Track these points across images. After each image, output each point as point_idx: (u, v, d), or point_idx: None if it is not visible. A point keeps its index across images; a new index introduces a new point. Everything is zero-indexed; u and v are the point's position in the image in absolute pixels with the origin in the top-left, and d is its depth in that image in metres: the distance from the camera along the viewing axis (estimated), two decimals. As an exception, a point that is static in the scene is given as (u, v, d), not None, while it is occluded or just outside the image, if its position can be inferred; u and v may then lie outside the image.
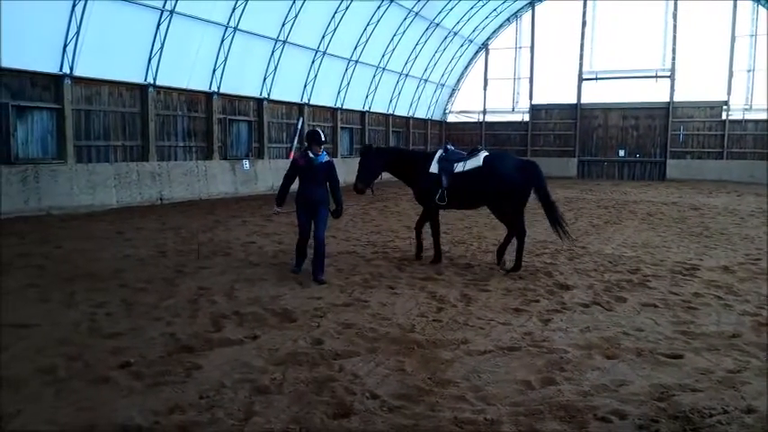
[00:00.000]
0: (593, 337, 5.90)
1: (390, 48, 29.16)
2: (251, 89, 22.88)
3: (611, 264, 9.60)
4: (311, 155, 8.08)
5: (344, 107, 28.51)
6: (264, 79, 23.10)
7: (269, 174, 23.14)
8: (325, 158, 8.18)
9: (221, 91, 21.16)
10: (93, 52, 16.41)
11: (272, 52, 22.85)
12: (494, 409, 4.26)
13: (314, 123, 26.62)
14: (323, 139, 8.22)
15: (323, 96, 26.75)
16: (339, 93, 27.83)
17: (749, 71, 32.03)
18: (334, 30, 24.74)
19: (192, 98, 20.30)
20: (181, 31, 18.75)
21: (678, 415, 4.17)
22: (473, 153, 9.20)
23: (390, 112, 32.48)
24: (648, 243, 11.68)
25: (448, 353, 5.41)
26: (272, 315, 6.47)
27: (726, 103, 32.53)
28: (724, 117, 32.59)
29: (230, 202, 18.70)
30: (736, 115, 32.45)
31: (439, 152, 9.37)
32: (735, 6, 31.73)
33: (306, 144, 8.32)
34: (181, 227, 13.09)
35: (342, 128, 28.65)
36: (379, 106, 31.38)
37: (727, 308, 7.04)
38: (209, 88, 20.80)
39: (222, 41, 20.49)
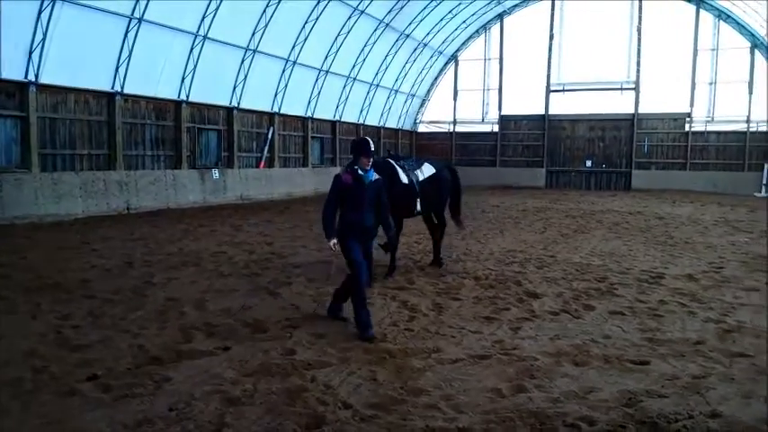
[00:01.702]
0: (563, 345, 5.98)
1: (361, 58, 29.28)
2: (221, 98, 22.74)
3: (579, 272, 9.74)
4: (360, 171, 6.37)
5: (315, 117, 28.50)
6: (234, 88, 22.98)
7: (239, 183, 22.99)
8: (375, 175, 6.52)
9: (190, 99, 20.98)
10: (59, 59, 16.15)
11: (243, 61, 22.76)
12: (465, 418, 4.29)
13: (284, 133, 26.58)
14: (372, 148, 6.51)
15: (294, 106, 26.70)
16: (310, 102, 27.82)
17: (711, 84, 32.92)
18: (305, 39, 24.76)
19: (160, 106, 20.09)
20: (149, 38, 18.56)
21: (645, 420, 4.25)
22: (419, 162, 9.90)
23: (361, 122, 32.56)
24: (615, 252, 11.89)
25: (420, 362, 5.43)
26: (243, 326, 6.42)
27: (689, 114, 33.36)
28: (687, 129, 33.41)
29: (199, 212, 18.52)
30: (698, 127, 33.30)
31: (394, 163, 9.32)
32: (697, 20, 32.63)
33: (353, 159, 6.48)
34: (149, 237, 12.91)
35: (312, 137, 28.62)
36: (350, 116, 31.45)
37: (692, 315, 7.20)
38: (178, 97, 20.60)
39: (192, 50, 20.34)
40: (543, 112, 35.92)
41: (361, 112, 32.31)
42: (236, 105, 23.26)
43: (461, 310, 7.31)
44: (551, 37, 35.17)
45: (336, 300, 6.70)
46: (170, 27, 19.28)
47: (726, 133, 32.71)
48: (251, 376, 4.99)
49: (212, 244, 12.11)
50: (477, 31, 36.66)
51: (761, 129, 32.02)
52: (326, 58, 27.15)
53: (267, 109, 25.32)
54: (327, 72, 27.68)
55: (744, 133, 32.28)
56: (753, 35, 31.61)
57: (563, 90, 35.37)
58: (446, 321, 6.76)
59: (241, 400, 4.54)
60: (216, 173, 21.98)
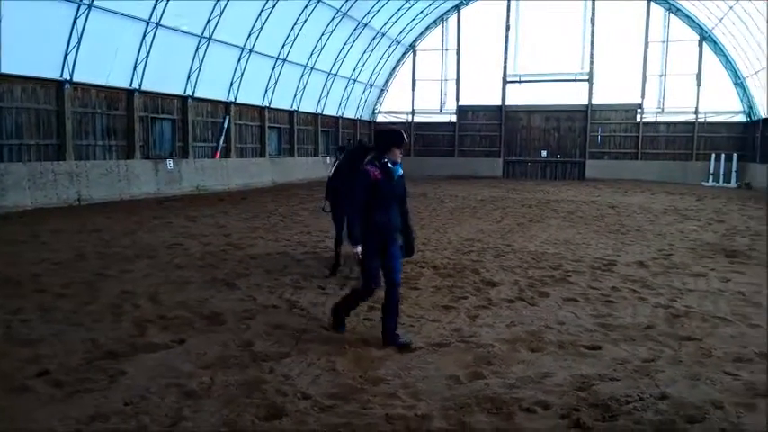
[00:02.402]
0: (519, 332, 6.09)
1: (319, 47, 29.06)
2: (175, 87, 22.27)
3: (534, 260, 9.92)
4: (390, 164, 5.59)
5: (272, 106, 28.19)
6: (189, 77, 22.54)
7: (194, 174, 22.61)
8: (401, 169, 5.76)
9: (143, 88, 20.49)
10: (4, 47, 15.53)
11: (197, 49, 22.33)
12: (424, 405, 4.33)
13: (241, 123, 26.22)
14: (406, 139, 5.84)
15: (250, 95, 26.35)
16: (267, 91, 27.49)
17: (661, 76, 33.84)
18: (261, 27, 24.43)
19: (111, 95, 19.55)
20: (99, 25, 18.02)
21: (598, 403, 4.36)
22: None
23: (319, 111, 32.36)
24: (569, 240, 12.15)
25: (379, 351, 5.45)
26: (200, 318, 6.34)
27: (640, 106, 34.24)
28: (638, 119, 34.29)
29: (153, 203, 18.14)
30: (649, 118, 34.22)
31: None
32: (648, 13, 33.43)
33: (376, 149, 5.72)
34: (101, 229, 12.60)
35: (270, 127, 28.31)
36: (308, 106, 31.21)
37: (642, 301, 7.42)
38: (131, 85, 20.10)
39: (144, 37, 19.84)
40: (500, 103, 36.33)
41: (320, 101, 32.10)
42: (191, 94, 22.82)
43: (420, 299, 7.36)
44: (507, 28, 35.53)
45: (387, 322, 5.70)
46: (121, 14, 18.76)
47: (675, 124, 33.72)
48: (208, 369, 4.93)
49: (167, 236, 11.89)
50: (434, 21, 36.77)
51: (709, 120, 33.07)
52: (284, 46, 26.85)
53: (223, 98, 24.92)
54: (284, 61, 27.39)
55: (692, 124, 33.31)
56: (701, 28, 32.57)
57: (519, 81, 35.81)
58: (405, 311, 6.78)
59: (198, 392, 4.48)
60: (170, 163, 21.56)
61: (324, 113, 32.81)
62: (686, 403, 4.36)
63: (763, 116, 30.36)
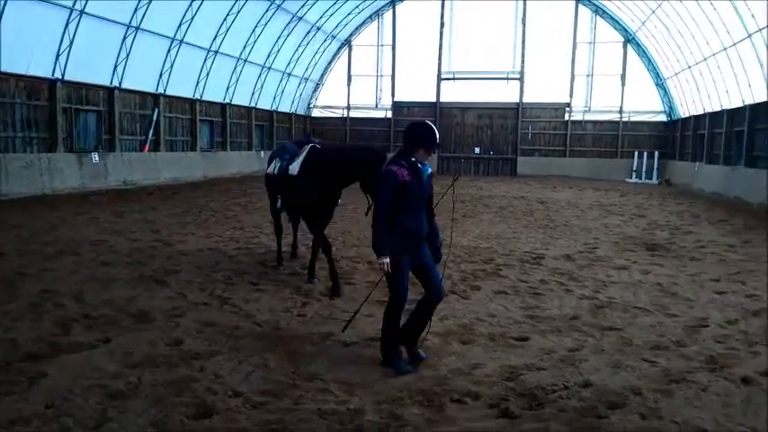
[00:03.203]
0: (451, 325, 6.21)
1: (252, 39, 28.55)
2: (101, 77, 21.40)
3: (467, 255, 10.11)
4: (419, 164, 4.93)
5: (204, 99, 27.53)
6: (115, 67, 21.72)
7: (121, 167, 21.82)
8: (430, 168, 5.15)
9: (67, 78, 19.60)
10: None
11: (124, 39, 21.55)
12: (357, 399, 4.36)
13: (171, 115, 25.49)
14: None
15: (181, 87, 25.62)
16: (198, 84, 26.82)
17: (588, 76, 35.05)
18: (192, 18, 23.79)
19: (32, 85, 18.59)
20: (20, 12, 17.09)
21: (525, 393, 4.51)
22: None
23: (253, 105, 31.83)
24: (501, 235, 12.43)
25: (312, 347, 5.44)
26: (127, 317, 6.14)
27: (568, 104, 35.35)
28: (567, 118, 35.40)
29: (78, 198, 17.40)
30: (577, 116, 35.39)
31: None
32: (576, 15, 34.52)
33: (407, 146, 4.94)
34: (21, 225, 11.99)
35: (201, 120, 27.63)
36: (242, 99, 30.64)
37: (569, 292, 7.69)
38: (53, 75, 19.18)
39: (67, 25, 18.97)
40: (435, 100, 36.72)
41: (253, 94, 31.57)
42: (118, 85, 22.01)
43: (354, 294, 7.38)
44: (442, 26, 35.93)
45: (409, 326, 5.19)
46: (43, 0, 17.86)
47: (601, 123, 35.03)
48: (135, 368, 4.79)
49: (92, 232, 11.44)
50: (370, 16, 36.78)
51: (632, 119, 34.52)
52: (216, 38, 26.25)
53: (152, 90, 24.14)
54: (216, 53, 26.78)
55: (617, 123, 34.68)
56: (626, 30, 33.91)
57: (453, 78, 36.31)
58: (339, 306, 6.81)
59: (125, 393, 4.36)
60: (96, 157, 20.73)
61: (258, 107, 32.29)
62: (608, 390, 4.55)
63: (683, 116, 31.97)
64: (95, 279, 7.72)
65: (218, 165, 28.00)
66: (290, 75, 34.11)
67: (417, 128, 4.99)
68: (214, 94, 28.22)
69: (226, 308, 6.58)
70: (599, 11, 34.23)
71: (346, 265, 9.06)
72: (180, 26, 23.79)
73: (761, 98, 21.92)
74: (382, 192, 4.82)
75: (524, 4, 34.77)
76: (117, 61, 21.65)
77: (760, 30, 20.62)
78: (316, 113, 38.91)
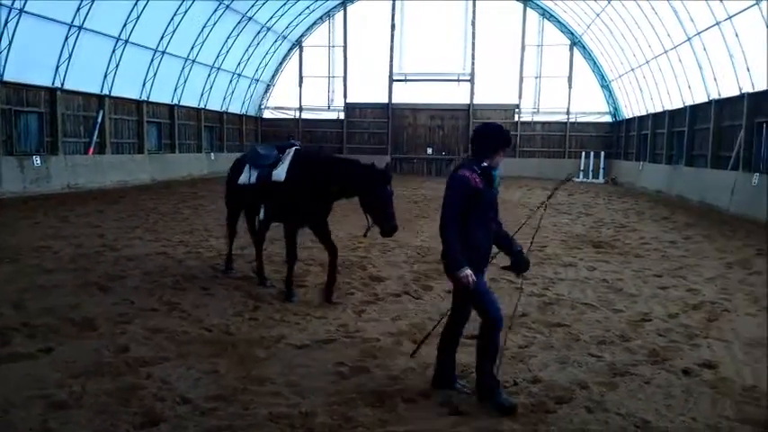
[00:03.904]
0: (403, 325, 6.24)
1: (200, 40, 28.07)
2: (42, 78, 20.68)
3: (419, 255, 10.17)
4: (491, 170, 4.52)
5: (151, 100, 26.90)
6: (57, 68, 21.02)
7: (65, 171, 21.12)
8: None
9: (5, 79, 18.85)
10: None
11: (67, 38, 20.88)
12: (308, 402, 4.33)
13: (117, 117, 24.85)
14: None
15: (127, 88, 24.99)
16: (145, 85, 26.20)
17: (536, 77, 35.76)
18: (138, 18, 23.22)
19: (-33, 85, 17.86)
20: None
21: (475, 390, 4.55)
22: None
23: (202, 106, 31.29)
24: (453, 234, 12.52)
25: (263, 350, 5.38)
26: (70, 325, 5.94)
27: (518, 106, 35.98)
28: (516, 119, 36.01)
29: (19, 203, 16.75)
30: (526, 118, 36.05)
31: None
32: (524, 18, 35.16)
33: (476, 149, 4.52)
34: (-44, 231, 11.49)
35: (148, 122, 27.00)
36: (190, 100, 30.08)
37: (518, 290, 7.78)
38: (-10, 75, 18.47)
39: (6, 24, 18.25)
40: (387, 101, 36.84)
41: (202, 95, 31.04)
42: (60, 86, 21.30)
43: (307, 296, 7.34)
44: (393, 27, 36.07)
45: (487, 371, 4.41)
46: (-23, -4, 17.20)
47: (549, 123, 35.79)
48: (78, 377, 4.64)
49: (34, 237, 11.02)
50: (321, 17, 36.62)
51: (579, 120, 35.37)
52: (162, 38, 25.70)
53: (96, 91, 23.46)
54: (164, 53, 26.23)
55: (565, 124, 35.48)
56: (572, 34, 34.73)
57: (405, 80, 36.50)
58: (291, 309, 6.75)
59: (68, 403, 4.22)
60: (38, 160, 20.00)
61: (207, 108, 31.76)
62: (556, 385, 4.65)
63: (627, 117, 32.94)
64: (37, 286, 7.44)
65: (167, 167, 27.40)
66: (240, 75, 33.68)
67: (491, 130, 4.55)
68: (162, 95, 27.63)
69: (174, 313, 6.44)
70: (546, 14, 34.95)
71: (299, 267, 8.96)
72: (125, 26, 23.20)
73: (700, 99, 22.78)
74: (453, 198, 4.35)
75: (474, 7, 35.22)
76: (59, 61, 20.96)
77: (699, 33, 21.42)
78: (267, 115, 38.52)
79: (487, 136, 4.49)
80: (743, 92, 19.13)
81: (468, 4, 35.32)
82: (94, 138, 23.32)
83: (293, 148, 7.48)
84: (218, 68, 31.15)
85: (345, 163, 7.19)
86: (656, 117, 27.93)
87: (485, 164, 4.43)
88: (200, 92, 30.73)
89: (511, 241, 4.67)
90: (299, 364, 5.10)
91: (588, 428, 4.05)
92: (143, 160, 26.13)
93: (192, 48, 28.06)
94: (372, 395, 4.46)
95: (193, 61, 28.65)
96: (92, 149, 23.25)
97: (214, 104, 32.44)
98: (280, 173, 7.23)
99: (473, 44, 35.52)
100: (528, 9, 35.07)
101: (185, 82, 28.83)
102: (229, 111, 34.15)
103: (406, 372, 4.93)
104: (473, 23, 35.35)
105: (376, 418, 4.12)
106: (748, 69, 18.77)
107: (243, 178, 7.68)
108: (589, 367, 5.10)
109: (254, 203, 7.69)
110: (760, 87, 18.24)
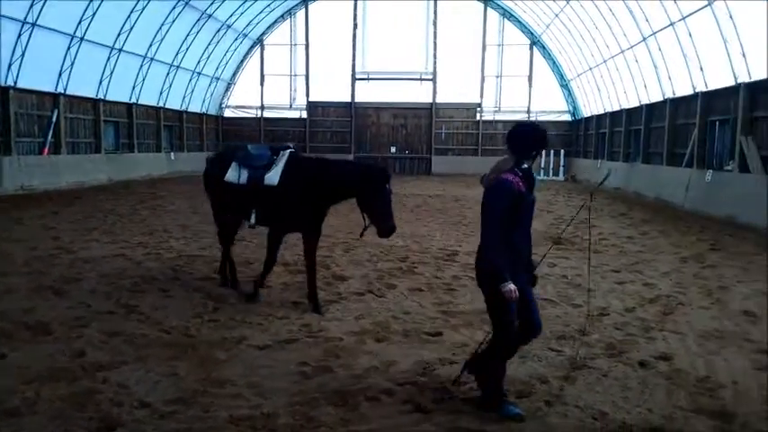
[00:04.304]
0: (366, 324, 6.23)
1: (159, 37, 27.57)
2: (-8, 76, 20.06)
3: (383, 253, 10.17)
4: (532, 173, 4.32)
5: (108, 99, 26.30)
6: (10, 66, 20.37)
7: (18, 172, 20.44)
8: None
9: (-47, 76, 18.24)
10: None
11: (19, 36, 20.26)
12: (270, 403, 4.30)
13: (72, 116, 24.23)
14: None
15: (83, 86, 24.37)
16: (101, 83, 25.61)
17: (497, 77, 36.16)
18: (94, 14, 22.68)
19: None
20: None
21: (438, 387, 4.59)
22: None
23: (161, 105, 30.73)
24: (416, 233, 12.60)
25: (224, 352, 5.31)
26: (24, 329, 5.77)
27: (479, 105, 36.34)
28: (478, 118, 36.38)
29: (-31, 205, 16.21)
30: (488, 116, 36.43)
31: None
32: (485, 18, 35.50)
33: (516, 151, 4.26)
34: None
35: (105, 121, 26.39)
36: (149, 99, 29.50)
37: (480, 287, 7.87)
38: (-63, 73, 17.81)
39: (-48, 19, 17.66)
40: (350, 100, 36.80)
41: (161, 94, 30.50)
42: (12, 85, 20.64)
43: (269, 296, 7.27)
44: (355, 26, 36.03)
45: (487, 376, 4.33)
46: None
47: (511, 122, 35.98)
48: (32, 383, 4.51)
49: (-15, 240, 10.69)
50: (282, 15, 36.34)
51: (539, 118, 35.84)
52: (119, 35, 25.15)
53: (51, 89, 22.82)
54: (121, 51, 25.68)
55: (525, 122, 35.91)
56: (532, 33, 35.22)
57: (368, 78, 36.50)
58: (253, 309, 6.68)
59: (20, 410, 4.10)
60: (-11, 160, 19.37)
61: (167, 107, 31.21)
62: (516, 379, 4.71)
63: (586, 116, 33.56)
64: (-12, 291, 7.22)
65: (125, 167, 26.82)
66: (200, 74, 33.20)
67: (529, 130, 4.35)
68: (119, 93, 27.04)
69: (132, 316, 6.31)
70: (506, 14, 35.36)
71: (259, 267, 8.88)
72: (80, 23, 22.63)
73: (656, 98, 23.35)
74: (497, 203, 4.12)
75: (435, 7, 35.41)
76: (12, 59, 20.33)
77: (654, 33, 21.95)
78: (228, 113, 38.06)
79: (527, 137, 4.28)
80: (696, 91, 19.69)
81: (430, 3, 35.52)
82: (49, 137, 22.68)
83: (288, 151, 7.09)
84: (178, 67, 30.65)
85: (343, 164, 7.01)
86: (614, 116, 28.52)
87: (525, 166, 4.22)
88: (159, 90, 30.19)
89: (530, 251, 4.39)
90: (260, 365, 5.05)
91: (548, 421, 4.11)
92: (100, 160, 25.53)
93: (151, 45, 27.55)
94: (335, 394, 4.45)
95: (152, 59, 28.13)
96: (46, 149, 22.62)
97: (173, 103, 31.91)
98: (273, 177, 6.82)
99: (435, 43, 35.73)
100: (489, 9, 35.42)
101: (144, 80, 28.28)
102: (189, 110, 33.63)
103: (369, 371, 4.93)
104: (435, 23, 35.54)
105: (338, 418, 4.11)
106: (701, 69, 19.34)
107: (231, 175, 7.12)
108: (549, 361, 5.18)
109: (240, 205, 7.16)
110: (713, 86, 18.79)
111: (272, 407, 4.23)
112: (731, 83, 17.36)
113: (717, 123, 18.88)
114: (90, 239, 11.06)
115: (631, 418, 4.14)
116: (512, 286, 3.94)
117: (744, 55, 16.66)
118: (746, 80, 16.58)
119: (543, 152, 33.74)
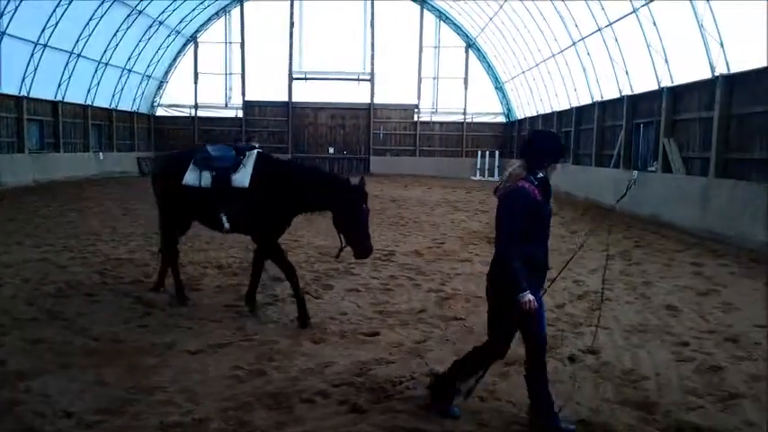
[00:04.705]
0: (302, 325, 6.18)
1: (87, 32, 26.53)
2: None
3: (320, 255, 10.13)
4: (548, 182, 4.15)
5: (32, 96, 25.11)
6: None
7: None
8: None
9: None
10: None
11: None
12: (202, 408, 4.21)
13: (-7, 113, 22.99)
14: None
15: (4, 83, 23.14)
16: (24, 80, 24.41)
17: (434, 78, 36.58)
18: (16, 8, 21.58)
19: None
20: None
21: (374, 387, 4.61)
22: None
23: (89, 103, 29.57)
24: (353, 233, 12.57)
25: (154, 358, 5.17)
26: (-64, 339, 5.45)
27: (417, 106, 36.67)
28: (416, 119, 36.71)
29: None
30: (425, 117, 36.82)
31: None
32: (422, 20, 35.84)
33: (531, 159, 4.10)
34: None
35: (29, 120, 25.17)
36: (76, 96, 28.32)
37: (417, 287, 7.97)
38: None
39: None
40: (287, 99, 36.44)
41: (89, 92, 29.33)
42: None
43: (203, 300, 7.12)
44: (292, 25, 35.68)
45: (541, 399, 4.14)
46: None
47: (447, 123, 36.74)
48: (-55, 397, 4.27)
49: None
50: (216, 12, 35.60)
51: (475, 120, 36.56)
52: (44, 30, 24.04)
53: (-32, 85, 21.65)
54: (45, 46, 24.55)
55: (461, 124, 36.53)
56: (467, 36, 35.79)
57: (305, 78, 36.22)
58: (185, 313, 6.52)
59: (-69, 426, 3.87)
60: None
61: (95, 105, 30.04)
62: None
63: (519, 118, 34.38)
64: None
65: (51, 167, 25.66)
66: (130, 71, 32.14)
67: (548, 138, 4.26)
68: (43, 90, 25.82)
69: (56, 323, 6.05)
70: (442, 16, 35.82)
71: (194, 270, 8.71)
72: (2, 16, 21.50)
73: (585, 101, 24.16)
74: (515, 213, 3.95)
75: (372, 8, 35.51)
76: None
77: (583, 38, 22.70)
78: (161, 112, 36.97)
79: (545, 145, 4.15)
80: (623, 94, 20.46)
81: (367, 4, 35.57)
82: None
83: (255, 151, 6.74)
84: (107, 63, 29.58)
85: (320, 174, 6.66)
86: (546, 118, 29.32)
87: (540, 175, 4.07)
88: (86, 88, 29.03)
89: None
90: (192, 369, 4.94)
91: (481, 417, 4.18)
92: (23, 160, 24.32)
93: (78, 41, 26.46)
94: (269, 397, 4.40)
95: (79, 55, 27.04)
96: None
97: (102, 101, 30.75)
98: (242, 178, 6.44)
99: (372, 44, 35.81)
100: (425, 11, 35.78)
101: (70, 77, 27.13)
102: (119, 108, 32.47)
103: (304, 372, 4.90)
104: (372, 24, 35.63)
105: (273, 421, 4.07)
106: (627, 73, 20.13)
107: (190, 178, 6.61)
108: (483, 359, 5.27)
109: (204, 209, 6.67)
110: (638, 90, 19.59)
111: (204, 412, 4.14)
112: (655, 87, 18.15)
113: (642, 126, 19.69)
114: (11, 243, 10.53)
115: (562, 413, 4.25)
116: (530, 297, 3.83)
117: (666, 60, 17.46)
118: (669, 84, 17.36)
119: (479, 153, 34.55)
